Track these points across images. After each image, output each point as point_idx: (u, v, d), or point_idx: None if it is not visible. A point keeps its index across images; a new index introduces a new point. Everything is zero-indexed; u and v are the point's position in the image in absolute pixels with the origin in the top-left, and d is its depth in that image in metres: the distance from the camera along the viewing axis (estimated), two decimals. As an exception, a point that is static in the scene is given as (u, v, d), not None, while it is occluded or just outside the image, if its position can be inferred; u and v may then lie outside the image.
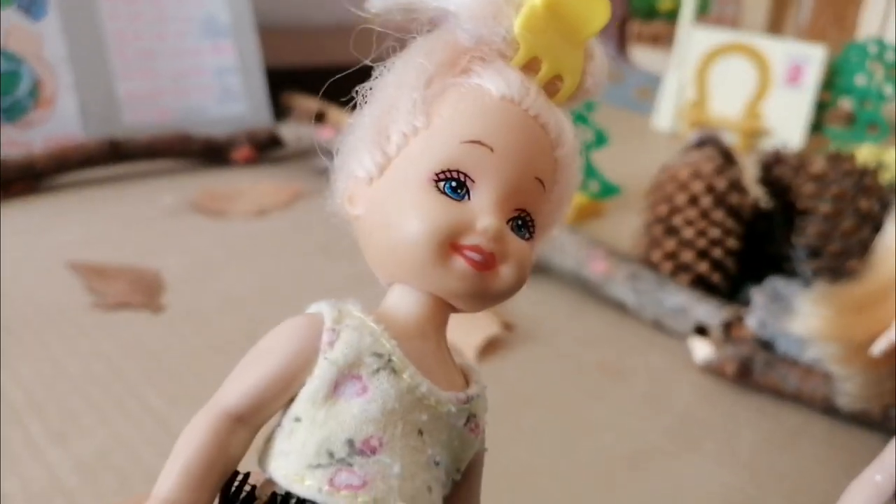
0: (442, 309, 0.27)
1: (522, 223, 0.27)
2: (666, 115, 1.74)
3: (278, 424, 0.26)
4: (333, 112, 1.18)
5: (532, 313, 0.82)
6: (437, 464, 0.26)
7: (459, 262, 0.25)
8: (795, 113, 1.61)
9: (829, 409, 0.67)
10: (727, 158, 0.86)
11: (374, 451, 0.24)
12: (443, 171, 0.26)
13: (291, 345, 0.25)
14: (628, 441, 0.62)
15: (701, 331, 0.75)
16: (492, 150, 0.26)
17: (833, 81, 1.64)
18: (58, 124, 1.14)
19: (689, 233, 0.83)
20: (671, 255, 0.84)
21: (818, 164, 0.77)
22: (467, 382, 0.29)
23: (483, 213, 0.25)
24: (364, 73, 0.29)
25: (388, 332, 0.26)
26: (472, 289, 0.26)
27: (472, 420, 0.27)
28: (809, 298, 0.57)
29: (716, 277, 0.82)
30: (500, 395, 0.66)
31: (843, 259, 0.73)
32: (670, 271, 0.83)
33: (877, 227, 0.72)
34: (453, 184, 0.26)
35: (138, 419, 0.59)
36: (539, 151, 0.27)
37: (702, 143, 0.89)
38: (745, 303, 0.77)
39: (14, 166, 1.00)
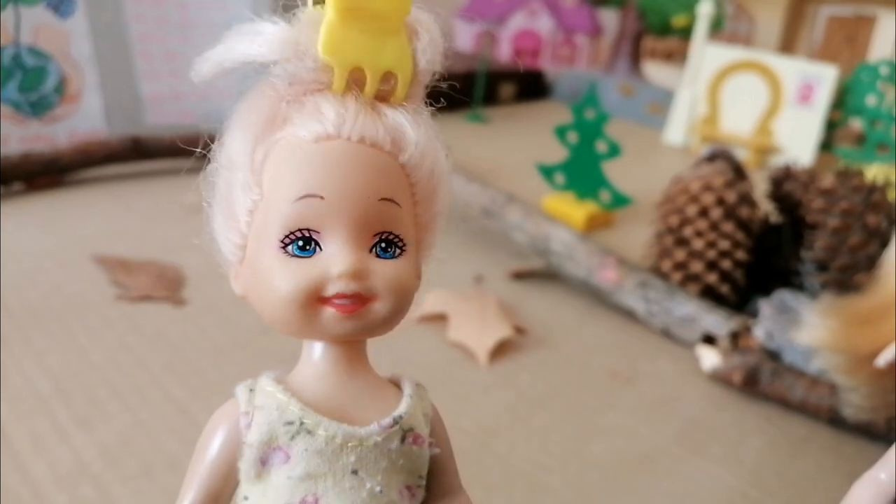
0: (346, 346, 0.28)
1: (387, 244, 0.27)
2: (677, 130, 1.76)
3: None
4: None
5: (543, 318, 0.84)
6: (380, 492, 0.27)
7: (329, 311, 0.26)
8: (806, 131, 1.63)
9: (834, 420, 0.68)
10: (738, 172, 0.88)
11: None
12: (285, 236, 0.26)
13: (217, 440, 0.27)
14: (636, 444, 0.63)
15: (709, 339, 0.77)
16: (322, 197, 0.25)
17: (844, 101, 1.66)
18: (82, 121, 1.17)
19: (698, 244, 0.84)
20: (681, 266, 0.85)
21: (828, 180, 0.78)
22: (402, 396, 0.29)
23: (336, 259, 0.26)
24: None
25: (298, 395, 0.27)
26: (352, 329, 0.27)
27: (409, 435, 0.28)
28: (816, 309, 0.59)
29: (724, 288, 0.84)
30: (512, 397, 0.68)
31: (850, 273, 0.75)
32: (680, 281, 0.85)
33: (884, 242, 0.74)
34: (299, 243, 0.26)
35: (160, 407, 0.60)
36: (376, 173, 0.26)
37: (713, 157, 0.90)
38: (753, 314, 0.78)
39: (40, 160, 1.03)
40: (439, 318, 0.78)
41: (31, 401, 0.59)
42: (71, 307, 0.74)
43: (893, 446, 0.38)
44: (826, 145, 1.66)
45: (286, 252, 0.26)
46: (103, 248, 0.88)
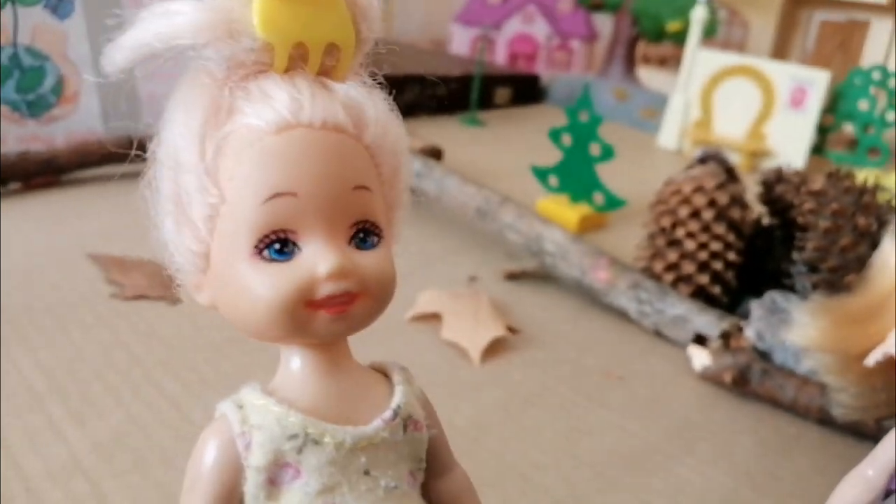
0: (329, 345, 0.26)
1: (365, 234, 0.25)
2: (671, 133, 1.77)
3: None
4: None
5: (536, 318, 0.84)
6: (394, 487, 0.26)
7: (322, 315, 0.24)
8: (798, 135, 1.64)
9: (824, 420, 0.68)
10: (730, 174, 0.89)
11: None
12: (259, 241, 0.24)
13: (214, 467, 0.25)
14: (628, 442, 0.64)
15: (700, 340, 0.77)
16: (295, 195, 0.23)
17: (836, 106, 1.67)
18: (79, 121, 1.17)
19: (690, 245, 0.85)
20: (673, 267, 0.86)
21: (818, 181, 0.79)
22: (392, 384, 0.28)
23: (320, 259, 0.24)
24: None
25: (292, 404, 0.25)
26: (343, 328, 0.25)
27: (409, 423, 0.27)
28: (807, 310, 0.59)
29: (716, 289, 0.84)
30: (504, 395, 0.69)
31: (840, 274, 0.75)
32: (672, 282, 0.85)
33: (874, 243, 0.74)
34: (276, 246, 0.24)
35: (154, 403, 0.61)
36: (345, 159, 0.24)
37: (705, 159, 0.91)
38: (744, 315, 0.79)
39: (37, 160, 1.03)
40: (433, 318, 0.79)
41: (25, 397, 0.60)
42: (66, 305, 0.75)
43: (880, 444, 0.39)
44: (818, 149, 1.68)
45: (262, 257, 0.24)
46: (99, 246, 0.88)
